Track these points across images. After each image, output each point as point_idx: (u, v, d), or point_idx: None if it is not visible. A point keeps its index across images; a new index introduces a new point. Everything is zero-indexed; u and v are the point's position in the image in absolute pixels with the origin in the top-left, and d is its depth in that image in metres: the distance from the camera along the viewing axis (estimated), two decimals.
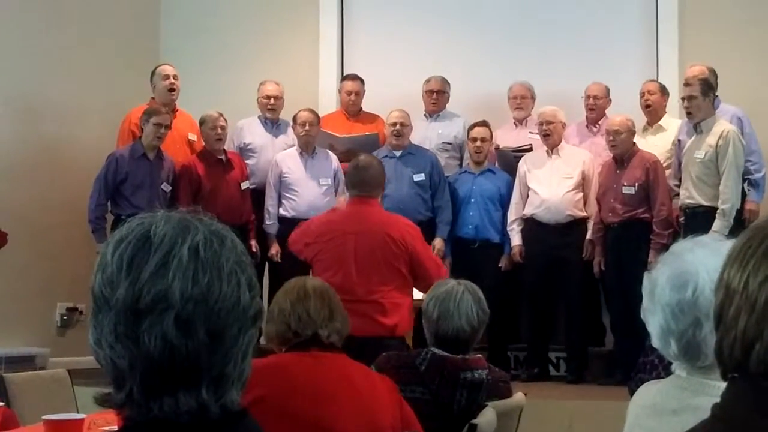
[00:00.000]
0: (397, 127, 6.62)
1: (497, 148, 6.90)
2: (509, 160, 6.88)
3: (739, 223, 5.75)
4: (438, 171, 6.63)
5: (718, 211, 5.88)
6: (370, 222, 4.92)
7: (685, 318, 1.82)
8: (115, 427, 1.29)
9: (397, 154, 6.62)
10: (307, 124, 6.65)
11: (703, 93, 6.01)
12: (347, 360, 2.91)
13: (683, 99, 6.15)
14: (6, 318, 6.35)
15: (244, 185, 6.61)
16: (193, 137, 6.91)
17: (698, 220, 5.87)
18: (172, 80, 6.80)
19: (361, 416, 2.73)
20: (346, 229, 4.92)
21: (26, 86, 6.77)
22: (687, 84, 6.18)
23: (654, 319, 1.88)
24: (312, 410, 2.68)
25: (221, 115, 6.60)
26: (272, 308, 2.98)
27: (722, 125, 6.02)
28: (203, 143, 6.72)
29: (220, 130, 6.56)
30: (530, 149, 6.82)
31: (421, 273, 4.81)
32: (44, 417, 2.67)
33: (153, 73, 6.85)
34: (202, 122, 6.63)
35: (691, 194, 6.02)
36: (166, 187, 6.43)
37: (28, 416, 3.32)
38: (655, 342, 1.89)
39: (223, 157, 6.60)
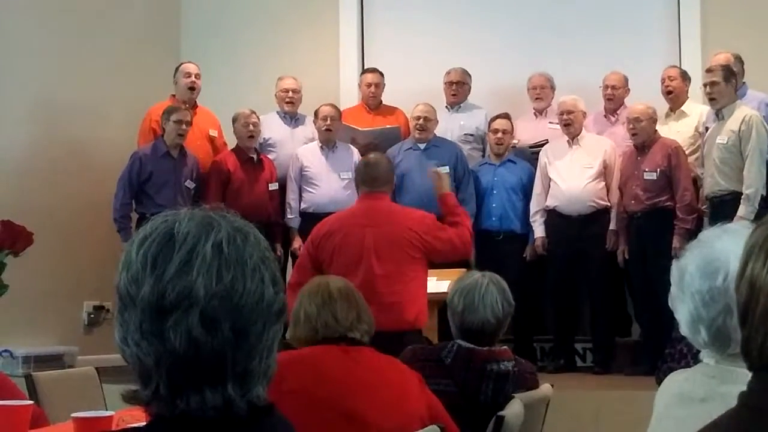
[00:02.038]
0: (421, 121, 6.62)
1: (514, 146, 6.87)
2: (527, 157, 6.86)
3: (764, 209, 5.71)
4: (463, 163, 6.62)
5: (743, 196, 5.83)
6: (386, 215, 4.93)
7: (715, 305, 1.81)
8: (143, 424, 1.30)
9: (422, 146, 6.62)
10: (328, 119, 6.66)
11: (725, 79, 5.97)
12: (375, 352, 2.91)
13: (705, 85, 6.10)
14: (34, 317, 6.40)
15: (272, 186, 6.64)
16: (213, 133, 6.94)
17: (723, 207, 5.83)
18: (194, 79, 6.83)
19: (392, 407, 2.73)
20: (362, 223, 4.92)
21: (48, 88, 6.80)
22: (709, 70, 6.13)
23: (683, 306, 1.86)
24: (343, 401, 2.68)
25: (253, 112, 6.64)
26: (296, 311, 2.94)
27: (744, 110, 5.97)
28: (227, 139, 6.75)
29: (252, 127, 6.60)
30: (546, 144, 6.78)
31: (445, 252, 4.84)
32: (73, 414, 2.68)
33: (176, 70, 6.89)
34: (234, 119, 6.68)
35: (716, 180, 5.97)
36: (190, 185, 6.46)
37: (57, 414, 3.34)
38: (684, 330, 1.88)
39: (254, 156, 6.63)
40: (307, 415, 2.45)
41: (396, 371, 2.89)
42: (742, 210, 5.78)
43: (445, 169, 6.45)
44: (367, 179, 5.07)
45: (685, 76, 6.66)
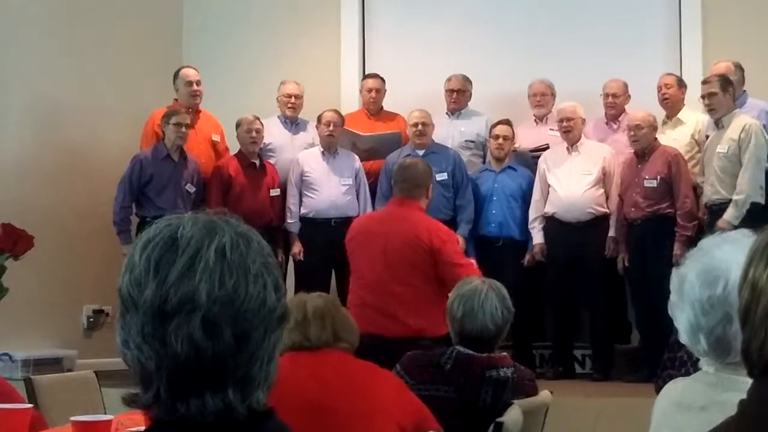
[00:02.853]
0: (419, 127, 6.62)
1: (515, 150, 6.88)
2: (527, 161, 6.87)
3: (764, 218, 5.70)
4: (461, 169, 6.63)
5: (732, 201, 5.84)
6: (404, 224, 4.92)
7: (715, 314, 1.81)
8: (143, 428, 1.30)
9: (420, 153, 6.61)
10: (331, 125, 6.66)
11: (723, 89, 5.98)
12: (349, 357, 2.89)
13: (703, 97, 6.11)
14: (33, 321, 6.39)
15: (274, 192, 6.64)
16: (216, 138, 6.94)
17: (722, 215, 5.83)
18: (195, 87, 6.83)
19: (357, 413, 2.71)
20: (380, 229, 4.93)
21: (50, 92, 6.80)
22: (706, 81, 6.14)
23: (682, 315, 1.86)
24: (309, 397, 2.67)
25: (257, 118, 6.64)
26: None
27: (744, 119, 5.98)
28: (229, 144, 6.75)
29: (255, 133, 6.61)
30: (547, 149, 6.79)
31: (450, 278, 4.80)
32: (72, 418, 2.68)
33: (176, 75, 6.88)
34: (237, 125, 6.68)
35: (716, 189, 5.98)
36: (191, 188, 6.47)
37: (56, 418, 3.34)
38: (684, 338, 1.88)
39: (257, 161, 6.63)
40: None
41: (366, 375, 2.86)
42: (728, 214, 5.78)
43: (443, 176, 6.45)
44: (398, 179, 5.08)
45: (681, 84, 6.66)
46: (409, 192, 5.01)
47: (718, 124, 6.05)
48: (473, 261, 5.17)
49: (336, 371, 2.80)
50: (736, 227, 5.20)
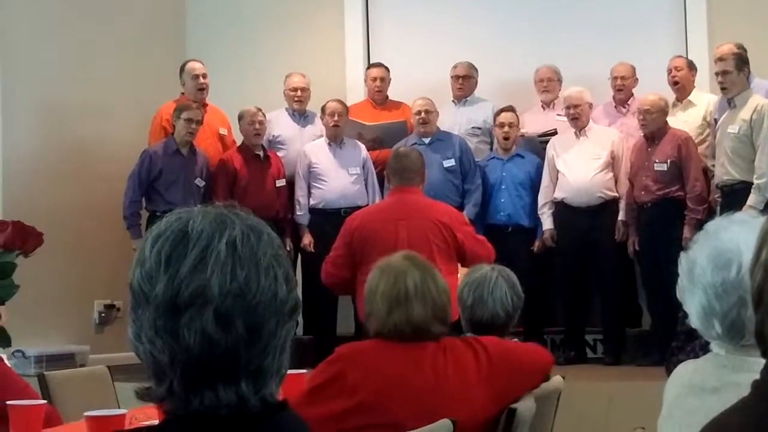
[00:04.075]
0: (423, 114, 6.62)
1: (522, 135, 6.87)
2: (535, 146, 6.86)
3: None
4: (468, 155, 6.63)
5: (753, 185, 5.82)
6: (418, 209, 4.95)
7: (729, 298, 1.79)
8: (157, 422, 1.31)
9: (426, 141, 6.61)
10: (336, 115, 6.66)
11: (738, 68, 5.96)
12: (438, 349, 2.80)
13: (717, 74, 6.08)
14: (45, 317, 6.42)
15: (280, 183, 6.64)
16: (223, 131, 6.95)
17: (735, 196, 5.82)
18: (202, 80, 6.84)
19: (426, 405, 2.68)
20: (395, 217, 4.94)
21: (56, 88, 6.82)
22: (721, 59, 6.10)
23: (694, 299, 1.85)
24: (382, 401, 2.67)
25: (259, 110, 6.64)
26: (370, 301, 2.83)
27: (757, 99, 5.95)
28: (236, 137, 6.76)
29: (258, 125, 6.60)
30: (555, 133, 6.78)
31: (471, 256, 4.84)
32: (86, 413, 2.69)
33: (182, 69, 6.89)
34: (240, 117, 6.68)
35: (726, 170, 5.96)
36: (200, 182, 6.48)
37: (70, 413, 3.36)
38: (695, 323, 1.87)
39: (261, 153, 6.63)
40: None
41: (456, 365, 2.79)
42: (751, 199, 5.77)
43: (451, 162, 6.44)
44: (397, 169, 5.10)
45: (691, 66, 6.64)
46: (411, 180, 5.06)
47: (731, 104, 6.02)
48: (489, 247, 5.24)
49: (428, 366, 2.76)
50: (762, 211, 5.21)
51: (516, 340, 3.54)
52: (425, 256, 4.74)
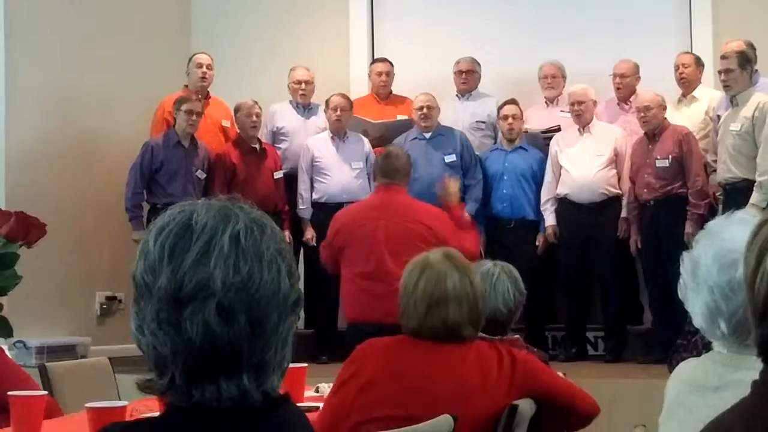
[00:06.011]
0: (424, 110, 6.61)
1: (526, 131, 6.87)
2: (539, 142, 6.85)
3: None
4: (469, 150, 6.62)
5: (755, 183, 5.82)
6: (400, 208, 4.96)
7: (736, 298, 1.77)
8: (158, 414, 1.31)
9: (427, 136, 6.61)
10: (339, 109, 6.65)
11: (741, 66, 5.95)
12: (457, 349, 2.80)
13: (720, 72, 6.07)
14: (47, 308, 6.42)
15: (277, 175, 6.64)
16: (226, 124, 6.95)
17: (737, 194, 5.81)
18: (205, 69, 6.84)
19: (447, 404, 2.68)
20: (375, 215, 4.94)
21: (60, 78, 6.81)
22: (724, 57, 6.09)
23: (698, 299, 1.83)
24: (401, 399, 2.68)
25: (256, 102, 6.63)
26: (406, 296, 2.82)
27: (758, 97, 5.94)
28: (237, 130, 6.75)
29: (255, 118, 6.59)
30: (559, 130, 6.78)
31: (458, 250, 4.84)
32: (87, 405, 2.70)
33: (189, 61, 6.91)
34: (237, 110, 6.67)
35: (728, 167, 5.96)
36: (201, 175, 6.48)
37: (70, 405, 3.36)
38: (699, 322, 1.85)
39: (257, 146, 6.63)
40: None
41: (475, 365, 2.78)
42: (754, 197, 5.77)
43: (456, 186, 6.40)
44: (387, 170, 5.11)
45: (698, 63, 6.63)
46: (395, 179, 5.09)
47: (733, 102, 6.02)
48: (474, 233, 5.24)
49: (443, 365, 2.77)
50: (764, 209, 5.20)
51: (518, 336, 3.53)
52: (404, 255, 4.79)
